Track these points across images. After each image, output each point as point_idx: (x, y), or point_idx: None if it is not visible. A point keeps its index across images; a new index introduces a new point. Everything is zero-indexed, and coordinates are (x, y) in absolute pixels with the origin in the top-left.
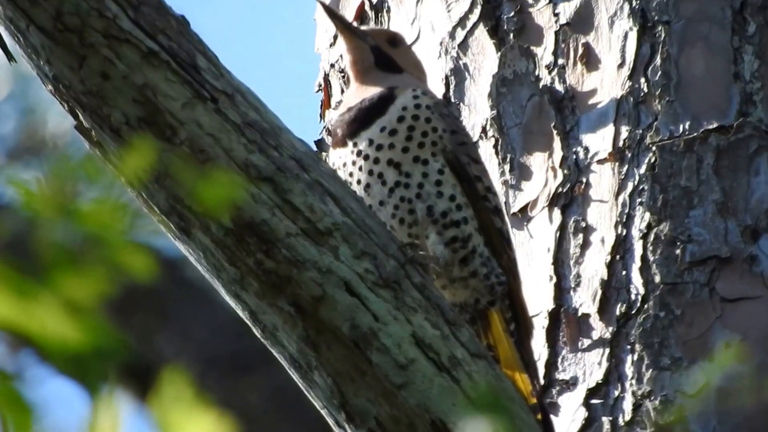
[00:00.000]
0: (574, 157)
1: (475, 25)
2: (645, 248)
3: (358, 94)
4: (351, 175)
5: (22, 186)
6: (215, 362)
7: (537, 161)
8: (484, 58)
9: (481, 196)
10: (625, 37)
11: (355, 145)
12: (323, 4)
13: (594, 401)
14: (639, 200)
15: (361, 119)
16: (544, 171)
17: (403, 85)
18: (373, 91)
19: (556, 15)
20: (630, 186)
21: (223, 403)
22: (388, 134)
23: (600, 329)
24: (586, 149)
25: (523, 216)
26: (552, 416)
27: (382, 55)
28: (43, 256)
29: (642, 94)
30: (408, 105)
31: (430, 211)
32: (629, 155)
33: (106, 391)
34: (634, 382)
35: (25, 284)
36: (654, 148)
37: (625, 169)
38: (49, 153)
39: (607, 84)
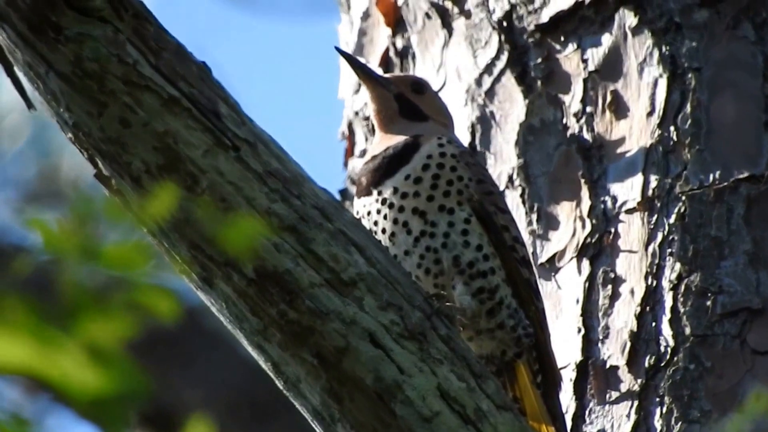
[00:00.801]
0: (602, 206)
1: (502, 72)
2: (675, 299)
3: (382, 142)
4: (376, 224)
5: (43, 226)
6: (236, 410)
7: (564, 211)
8: (511, 106)
9: (508, 246)
10: (655, 84)
11: (379, 193)
12: (343, 53)
13: None
14: (669, 250)
15: (386, 167)
16: (572, 221)
17: (427, 133)
18: (397, 140)
19: (584, 62)
20: (660, 236)
21: None
22: (413, 182)
23: (628, 381)
24: (615, 198)
25: (551, 266)
26: None
27: (406, 102)
28: (65, 297)
29: (671, 142)
30: (433, 153)
31: (457, 261)
32: (658, 205)
33: None
34: None
35: (45, 326)
36: (683, 198)
37: (654, 218)
38: (67, 197)
39: (635, 132)
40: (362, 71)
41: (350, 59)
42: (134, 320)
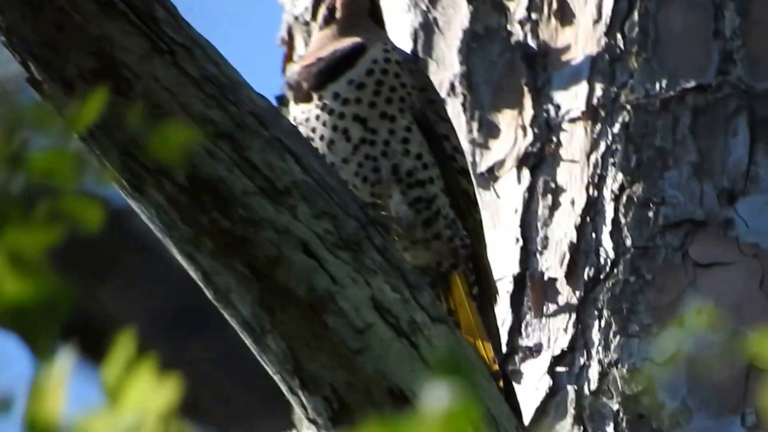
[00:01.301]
0: (545, 115)
1: None
2: (617, 211)
3: (329, 44)
4: (314, 130)
5: None
6: (164, 319)
7: (506, 119)
8: (455, 13)
9: (448, 155)
10: None
11: (320, 98)
12: None
13: (559, 369)
14: (612, 161)
15: (330, 71)
16: (513, 129)
17: (374, 38)
18: (347, 42)
19: None
20: (603, 146)
21: (169, 362)
22: (355, 88)
23: (567, 294)
24: (558, 107)
25: (491, 176)
26: (515, 384)
27: (375, 5)
28: None
29: (618, 50)
30: (378, 58)
31: (396, 170)
32: (603, 114)
33: (51, 347)
34: (601, 349)
35: None
36: (629, 107)
37: (598, 128)
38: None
39: (581, 40)
40: None
41: None
42: (59, 229)
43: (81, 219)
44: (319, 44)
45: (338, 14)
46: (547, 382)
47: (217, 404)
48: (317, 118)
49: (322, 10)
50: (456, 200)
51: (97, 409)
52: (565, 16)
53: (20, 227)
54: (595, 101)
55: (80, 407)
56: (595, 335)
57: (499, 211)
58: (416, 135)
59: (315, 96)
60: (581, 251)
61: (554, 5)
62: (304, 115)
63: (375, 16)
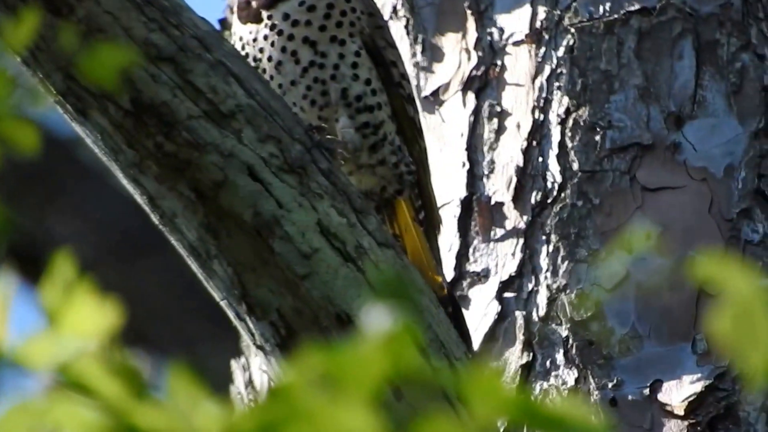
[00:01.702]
0: (489, 38)
1: None
2: (563, 134)
3: None
4: (261, 51)
5: None
6: (109, 244)
7: (450, 42)
8: None
9: (395, 82)
10: None
11: (269, 18)
12: None
13: (507, 294)
14: (557, 84)
15: None
16: (457, 53)
17: None
18: None
19: None
20: (547, 69)
21: (116, 287)
22: (306, 10)
23: (514, 218)
24: (502, 30)
25: (435, 99)
26: (463, 310)
27: None
28: None
29: None
30: None
31: (344, 94)
32: (547, 37)
33: None
34: (549, 274)
35: None
36: (573, 30)
37: (542, 51)
38: None
39: None
40: None
41: None
42: None
43: (18, 142)
44: None
45: None
46: (496, 307)
47: (163, 330)
48: (265, 38)
49: None
50: (402, 127)
51: (38, 334)
52: None
53: None
54: (538, 24)
55: (21, 332)
56: (543, 260)
57: (445, 135)
58: (365, 60)
59: (265, 15)
60: (528, 175)
61: None
62: (252, 35)
63: None
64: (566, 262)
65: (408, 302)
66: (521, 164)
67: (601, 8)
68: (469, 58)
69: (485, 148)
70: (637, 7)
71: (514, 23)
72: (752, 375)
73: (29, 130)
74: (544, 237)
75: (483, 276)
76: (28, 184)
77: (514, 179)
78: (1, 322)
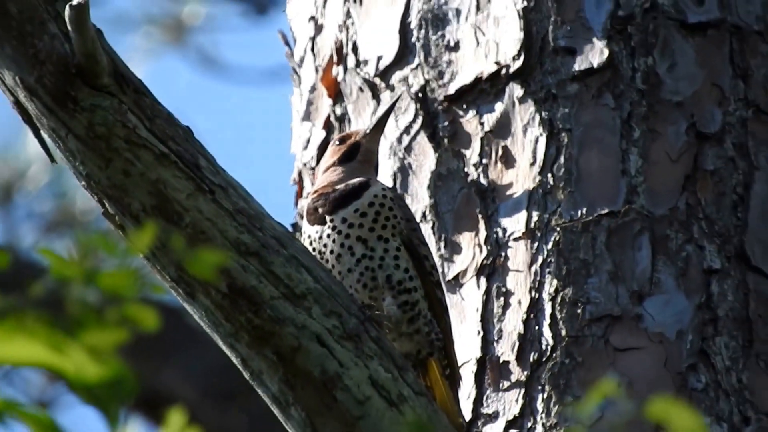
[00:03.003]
0: (495, 236)
1: (417, 132)
2: (553, 308)
3: (344, 178)
4: (325, 246)
5: (52, 256)
6: (210, 393)
7: (466, 240)
8: (424, 158)
9: (427, 271)
10: (536, 141)
11: (332, 221)
12: (391, 106)
13: (512, 431)
14: (548, 270)
15: (341, 200)
16: (471, 247)
17: (374, 178)
18: (355, 179)
19: (481, 124)
20: (540, 259)
21: (216, 428)
22: (359, 215)
23: (517, 373)
24: (504, 230)
25: (456, 283)
26: None
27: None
28: (71, 312)
29: (549, 186)
30: (378, 194)
31: (389, 279)
32: (539, 234)
33: (122, 418)
34: (543, 415)
35: (56, 334)
36: (558, 229)
37: (536, 245)
38: (77, 228)
39: (521, 179)
40: (382, 122)
41: (385, 117)
42: (124, 330)
43: (141, 322)
44: (332, 177)
45: (359, 158)
46: None
47: None
48: (328, 236)
49: (340, 149)
50: (432, 305)
51: None
52: (508, 160)
53: (95, 329)
54: (532, 225)
55: None
56: (539, 404)
57: (464, 310)
58: (404, 254)
59: (328, 219)
60: (527, 340)
61: (500, 152)
62: (318, 234)
63: (374, 160)
64: (556, 406)
65: None
66: (522, 332)
67: (579, 212)
68: (480, 251)
69: (495, 320)
70: (606, 210)
71: (514, 224)
72: None
73: (151, 313)
74: (540, 387)
75: (494, 417)
76: (148, 345)
77: (517, 343)
78: None
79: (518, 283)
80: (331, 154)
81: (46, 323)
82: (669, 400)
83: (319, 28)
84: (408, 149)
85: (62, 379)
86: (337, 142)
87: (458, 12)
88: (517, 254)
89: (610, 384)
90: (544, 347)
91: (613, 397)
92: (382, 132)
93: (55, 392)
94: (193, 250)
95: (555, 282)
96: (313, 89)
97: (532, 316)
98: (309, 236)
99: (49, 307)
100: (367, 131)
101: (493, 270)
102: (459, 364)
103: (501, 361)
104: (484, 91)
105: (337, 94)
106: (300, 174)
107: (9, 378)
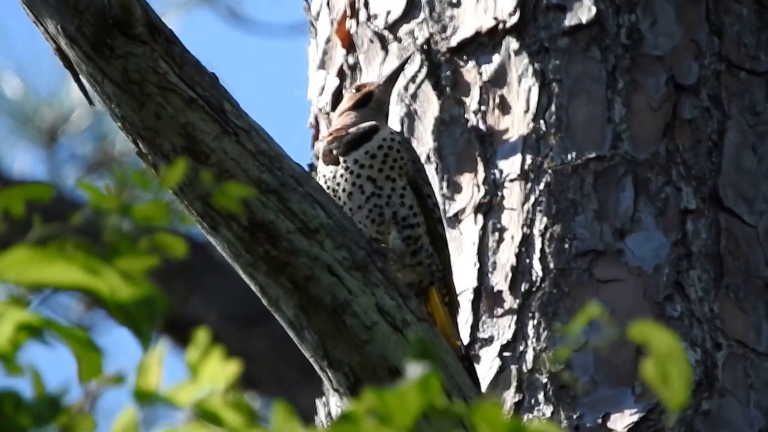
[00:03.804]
0: (493, 177)
1: (422, 81)
2: (543, 243)
3: (356, 122)
4: (338, 185)
5: (92, 190)
6: (232, 318)
7: (466, 180)
8: (429, 105)
9: (430, 209)
10: (530, 91)
11: (345, 162)
12: (395, 72)
13: (505, 354)
14: (539, 209)
15: (353, 143)
16: (471, 187)
17: (383, 124)
18: (366, 123)
19: (480, 74)
20: (532, 198)
21: (237, 349)
22: (369, 157)
23: (510, 302)
24: (501, 171)
25: (456, 219)
26: (475, 364)
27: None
28: (107, 240)
29: (541, 132)
30: (386, 137)
31: (395, 216)
32: (532, 176)
33: (153, 339)
34: (534, 340)
35: (93, 259)
36: (550, 171)
37: (529, 186)
38: (116, 168)
39: (516, 125)
40: (395, 76)
41: (396, 73)
42: (155, 256)
43: (171, 250)
44: (346, 121)
45: (371, 105)
46: (497, 363)
47: (269, 378)
48: (341, 176)
49: (355, 97)
50: (433, 240)
51: (183, 382)
52: (505, 108)
53: (129, 255)
54: (526, 167)
55: (171, 381)
56: (530, 330)
57: (462, 244)
58: (409, 192)
59: (341, 160)
60: (519, 272)
61: (497, 100)
62: (331, 174)
63: (386, 110)
64: (545, 332)
65: (437, 359)
66: (514, 264)
67: (569, 156)
68: (479, 191)
69: (490, 253)
70: (593, 155)
71: (510, 166)
72: (671, 408)
73: (180, 242)
74: (530, 314)
75: (489, 341)
76: (176, 274)
77: (510, 275)
78: (157, 374)
79: (512, 220)
80: (347, 100)
81: (84, 249)
82: (648, 325)
83: None
84: (414, 97)
85: (99, 302)
86: (353, 90)
87: None
88: (512, 194)
89: (595, 309)
90: (534, 278)
91: (598, 321)
92: (393, 85)
93: (91, 318)
94: (220, 185)
95: (545, 219)
96: (328, 40)
97: (523, 250)
98: (324, 176)
99: (88, 235)
100: (380, 83)
101: (489, 208)
102: (457, 293)
103: (495, 290)
104: (483, 44)
105: (350, 45)
106: (316, 118)
107: (49, 303)
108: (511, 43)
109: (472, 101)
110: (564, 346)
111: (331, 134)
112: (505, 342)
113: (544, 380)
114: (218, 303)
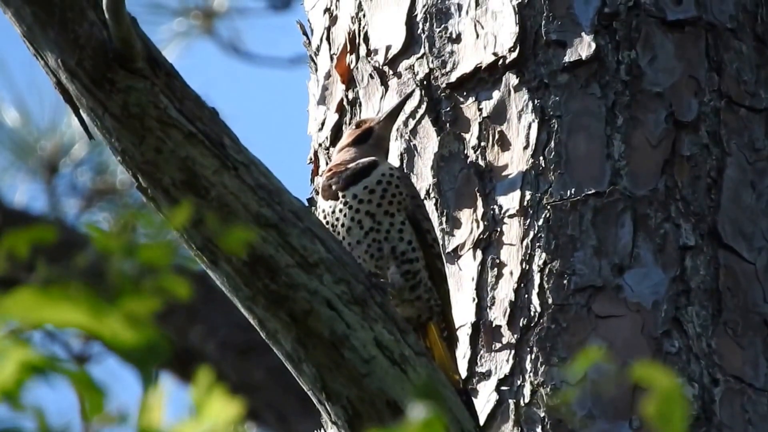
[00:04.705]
0: (492, 212)
1: (422, 117)
2: (542, 279)
3: (356, 158)
4: (337, 220)
5: (96, 230)
6: (231, 348)
7: (465, 215)
8: (428, 141)
9: (429, 244)
10: (529, 126)
11: (344, 197)
12: (402, 102)
13: (503, 388)
14: (538, 244)
15: (352, 178)
16: (470, 222)
17: (383, 159)
18: (366, 159)
19: (480, 110)
20: (531, 234)
21: (236, 379)
22: (368, 192)
23: (508, 336)
24: (500, 207)
25: (455, 254)
26: (473, 398)
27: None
28: (111, 282)
29: (540, 168)
30: (385, 173)
31: (393, 251)
32: (531, 212)
33: (154, 376)
34: (532, 374)
35: (97, 301)
36: (549, 207)
37: (528, 221)
38: (116, 199)
39: (515, 161)
40: (395, 113)
41: (397, 109)
42: (159, 298)
43: (174, 291)
44: (345, 157)
45: (371, 141)
46: (495, 397)
47: (268, 409)
48: (340, 211)
49: (355, 132)
50: (432, 274)
51: (186, 420)
52: (504, 144)
53: (133, 297)
54: (525, 203)
55: (174, 417)
56: (528, 365)
57: (462, 279)
58: (408, 228)
59: (340, 195)
60: (518, 307)
61: (496, 136)
62: (331, 209)
63: (386, 146)
64: (543, 366)
65: (436, 394)
66: (513, 299)
67: (568, 192)
68: (478, 226)
69: (489, 288)
70: (592, 191)
71: (509, 202)
72: None
73: (183, 283)
74: (528, 349)
75: (487, 375)
76: (176, 305)
77: (508, 310)
78: (160, 410)
79: (511, 255)
80: (347, 136)
81: (89, 291)
82: (645, 362)
83: (333, 20)
84: (413, 132)
85: (100, 341)
86: (353, 127)
87: (459, 7)
88: (511, 229)
89: (596, 350)
90: (532, 313)
91: (596, 359)
92: (394, 121)
93: (90, 348)
94: (224, 228)
95: (544, 255)
96: (328, 75)
97: (522, 285)
98: (323, 210)
99: (91, 274)
100: (381, 119)
101: (488, 243)
102: (456, 328)
103: (493, 325)
104: (482, 79)
105: (349, 81)
106: (315, 153)
107: (51, 336)
108: (511, 79)
109: (471, 137)
110: (562, 381)
111: (330, 169)
112: (502, 376)
113: (542, 414)
114: (217, 333)
